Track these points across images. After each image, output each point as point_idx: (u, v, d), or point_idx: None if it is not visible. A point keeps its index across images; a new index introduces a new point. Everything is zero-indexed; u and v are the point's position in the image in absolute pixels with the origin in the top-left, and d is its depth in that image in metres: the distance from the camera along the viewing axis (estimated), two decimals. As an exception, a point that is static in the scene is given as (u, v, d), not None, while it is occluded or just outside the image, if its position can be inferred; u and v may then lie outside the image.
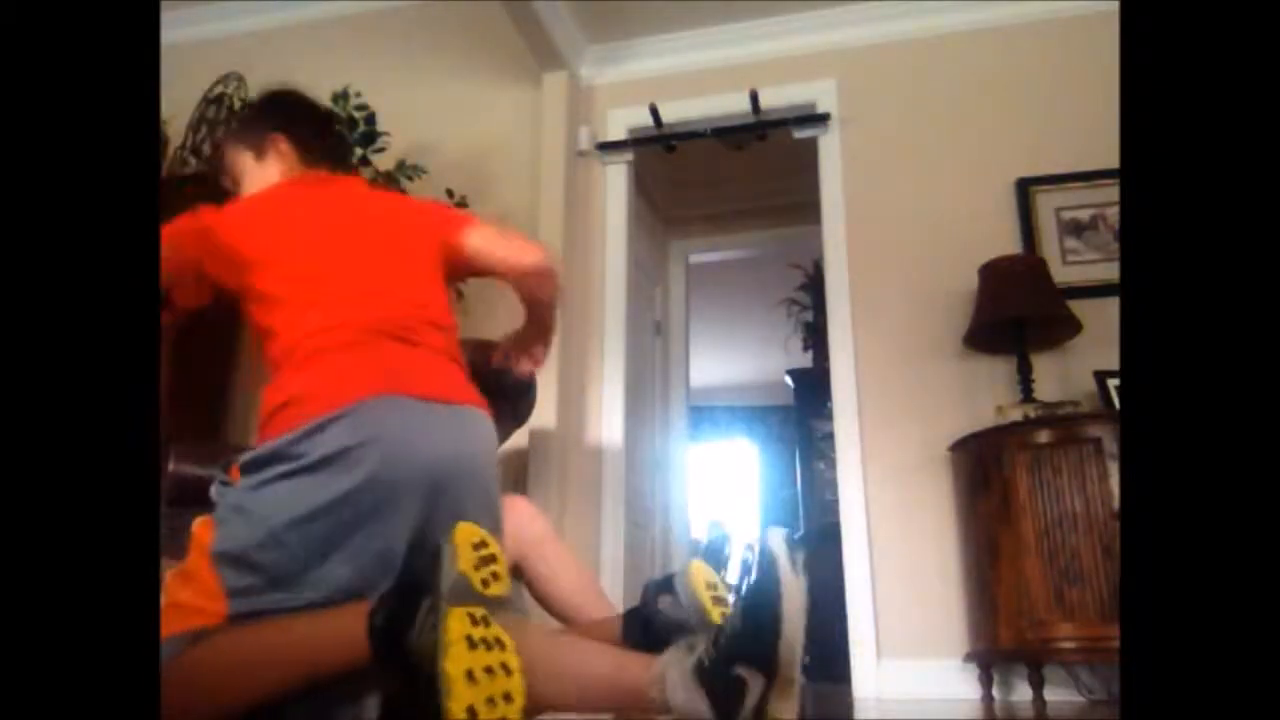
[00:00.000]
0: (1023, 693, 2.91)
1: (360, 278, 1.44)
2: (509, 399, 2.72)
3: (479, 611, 1.05)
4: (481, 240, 1.60)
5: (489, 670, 1.00)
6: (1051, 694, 2.76)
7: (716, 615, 1.35)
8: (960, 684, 2.99)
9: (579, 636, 1.31)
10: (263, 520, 1.23)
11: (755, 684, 1.01)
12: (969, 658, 2.96)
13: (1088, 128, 3.42)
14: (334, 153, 1.75)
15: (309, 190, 1.58)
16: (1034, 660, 2.68)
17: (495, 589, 1.11)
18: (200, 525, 1.30)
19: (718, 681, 1.01)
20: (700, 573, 1.41)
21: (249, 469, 1.29)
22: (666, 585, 1.44)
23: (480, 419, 1.42)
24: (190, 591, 1.24)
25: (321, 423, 1.25)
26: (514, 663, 1.03)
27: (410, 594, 1.11)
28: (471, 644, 1.01)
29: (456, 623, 1.02)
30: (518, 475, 3.40)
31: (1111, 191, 3.37)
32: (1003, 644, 2.74)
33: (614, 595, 3.03)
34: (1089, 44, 3.52)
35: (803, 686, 1.17)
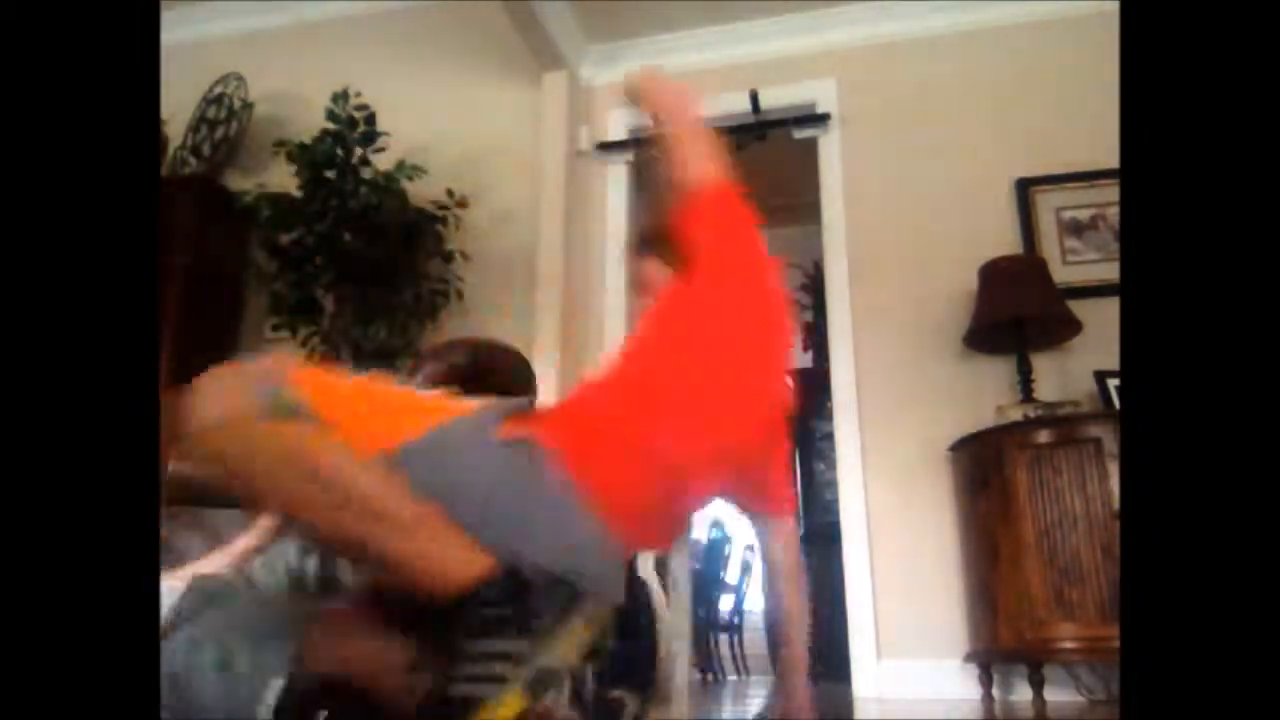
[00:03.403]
0: (1023, 693, 2.91)
1: None
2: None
3: None
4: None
5: None
6: (1051, 694, 2.75)
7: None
8: (960, 684, 2.99)
9: None
10: None
11: (632, 703, 1.13)
12: (969, 658, 2.95)
13: (1088, 128, 3.42)
14: None
15: None
16: (1034, 660, 2.68)
17: None
18: None
19: (596, 705, 1.11)
20: None
21: None
22: None
23: None
24: None
25: None
26: None
27: None
28: None
29: None
30: (518, 475, 3.40)
31: (1111, 191, 3.37)
32: (1003, 644, 2.74)
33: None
34: (1089, 44, 3.52)
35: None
